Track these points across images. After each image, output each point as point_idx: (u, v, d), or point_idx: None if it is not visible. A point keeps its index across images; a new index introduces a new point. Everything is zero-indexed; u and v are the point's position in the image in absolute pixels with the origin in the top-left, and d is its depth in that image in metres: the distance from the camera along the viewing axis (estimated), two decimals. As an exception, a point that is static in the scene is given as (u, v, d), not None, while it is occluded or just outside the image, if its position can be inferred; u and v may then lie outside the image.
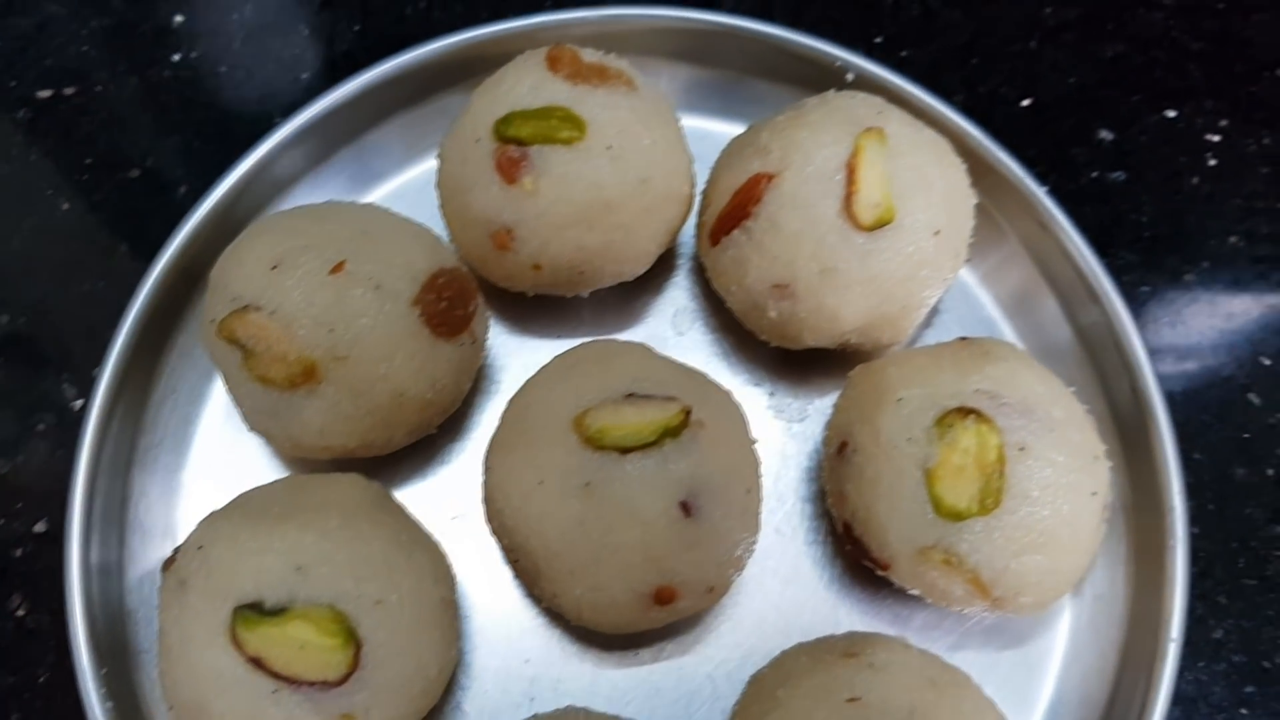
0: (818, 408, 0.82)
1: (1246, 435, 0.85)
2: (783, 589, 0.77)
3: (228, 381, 0.71)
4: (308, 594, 0.63)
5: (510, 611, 0.76)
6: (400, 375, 0.69)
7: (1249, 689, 0.78)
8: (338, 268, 0.68)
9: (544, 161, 0.71)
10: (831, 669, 0.67)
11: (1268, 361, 0.87)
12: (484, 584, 0.76)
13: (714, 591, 0.70)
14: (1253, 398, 0.86)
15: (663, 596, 0.67)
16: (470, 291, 0.74)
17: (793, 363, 0.82)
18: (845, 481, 0.72)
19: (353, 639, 0.62)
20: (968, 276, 0.86)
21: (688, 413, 0.67)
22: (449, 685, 0.73)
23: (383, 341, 0.68)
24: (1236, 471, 0.84)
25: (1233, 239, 0.91)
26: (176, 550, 0.67)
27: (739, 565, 0.70)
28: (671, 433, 0.66)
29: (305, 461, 0.78)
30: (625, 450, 0.65)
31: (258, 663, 0.61)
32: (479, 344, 0.75)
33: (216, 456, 0.79)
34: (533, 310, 0.82)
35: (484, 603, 0.76)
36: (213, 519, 0.67)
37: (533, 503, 0.67)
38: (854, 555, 0.73)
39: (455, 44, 0.84)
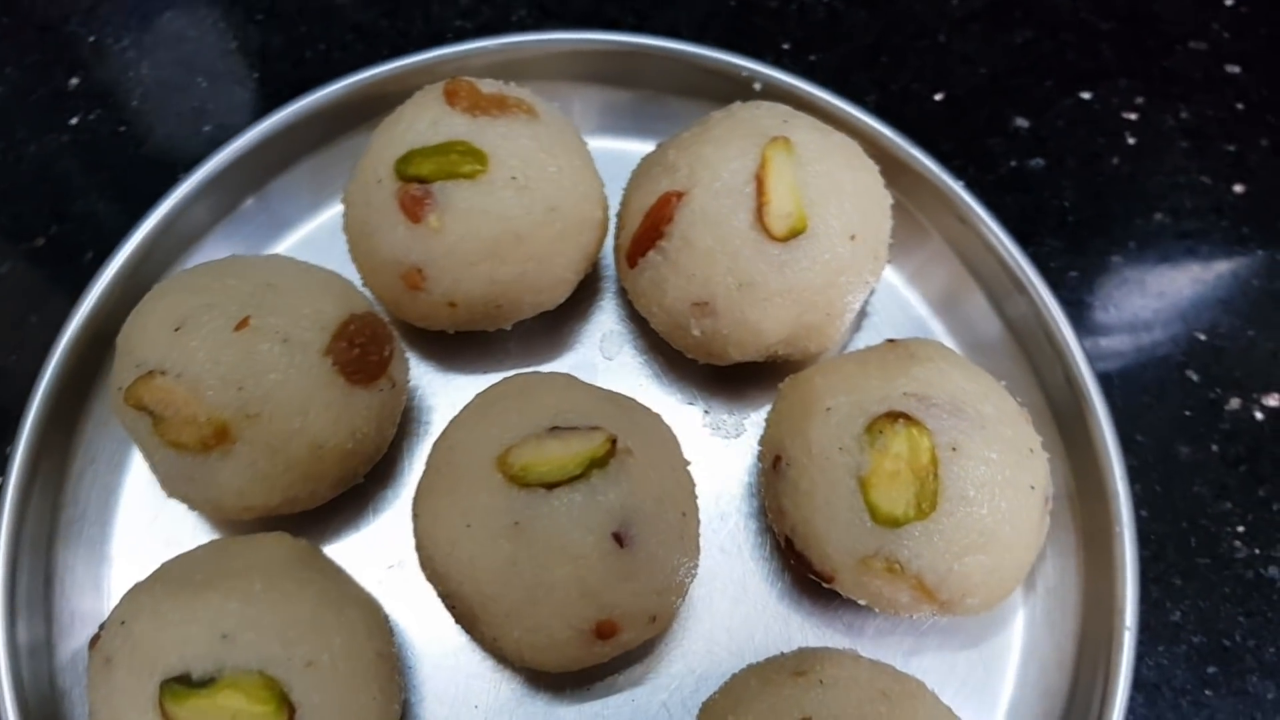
0: (754, 422, 0.81)
1: (1188, 413, 0.84)
2: (732, 608, 0.76)
3: (141, 449, 0.69)
4: (235, 662, 0.61)
5: (455, 658, 0.74)
6: (317, 428, 0.67)
7: (1211, 669, 0.77)
8: (243, 324, 0.67)
9: (448, 198, 0.70)
10: (781, 690, 0.66)
11: (1203, 337, 0.87)
12: (427, 631, 0.74)
13: (657, 621, 0.68)
14: (1191, 374, 0.85)
15: (604, 631, 0.65)
16: (384, 335, 0.72)
17: (725, 378, 0.81)
18: (782, 496, 0.70)
19: (285, 704, 0.60)
20: (894, 277, 0.85)
21: (613, 441, 0.65)
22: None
23: (295, 395, 0.66)
24: (1180, 450, 0.83)
25: (1158, 216, 0.90)
26: (101, 627, 0.65)
27: (681, 591, 0.69)
28: (598, 463, 0.64)
29: (233, 522, 0.76)
30: (551, 486, 0.64)
31: (188, 738, 0.59)
32: (399, 388, 0.73)
33: (142, 525, 0.77)
34: (456, 347, 0.81)
35: (428, 651, 0.74)
36: (135, 592, 0.65)
37: (462, 547, 0.65)
38: (798, 569, 0.72)
39: (355, 83, 0.82)
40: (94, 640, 0.65)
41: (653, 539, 0.65)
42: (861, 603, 0.70)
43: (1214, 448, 0.83)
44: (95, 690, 0.63)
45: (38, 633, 0.73)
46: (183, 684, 0.60)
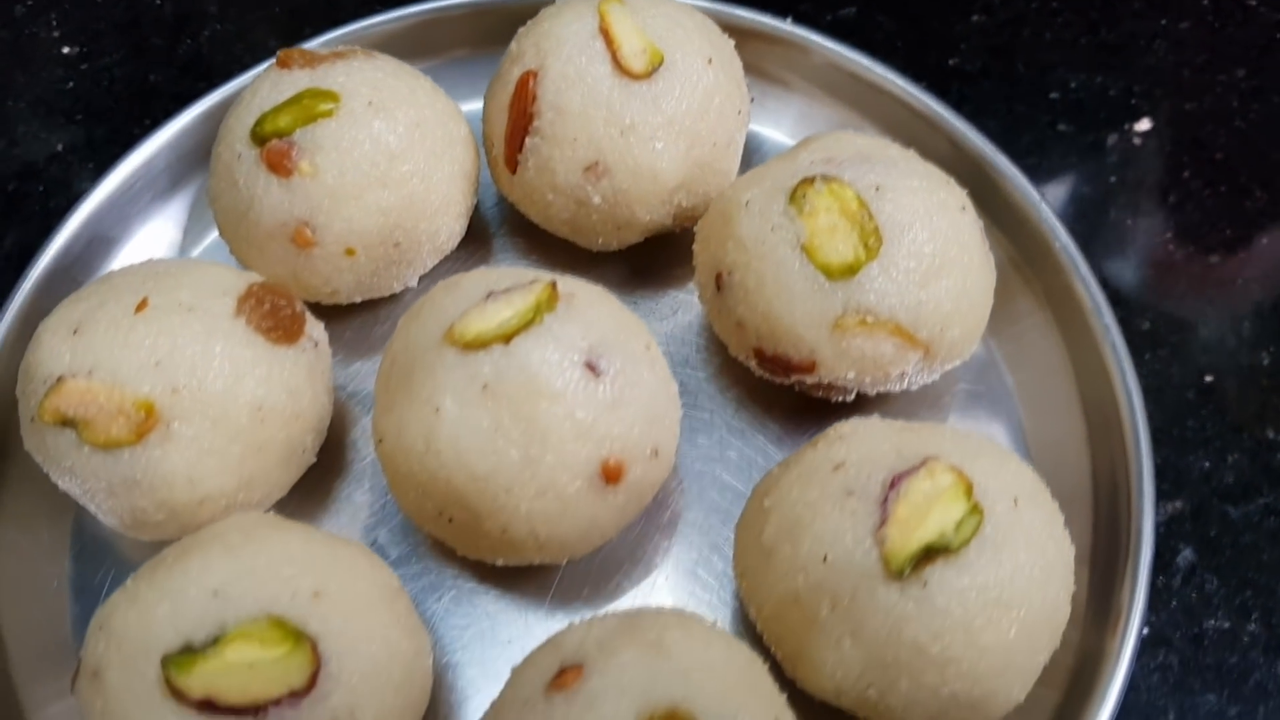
0: (686, 296, 0.80)
1: (1073, 159, 0.87)
2: (734, 462, 0.73)
3: (76, 485, 0.63)
4: (236, 614, 0.55)
5: (470, 603, 0.69)
6: (250, 387, 0.63)
7: (1203, 360, 0.77)
8: (142, 305, 0.63)
9: (312, 140, 0.69)
10: (803, 458, 0.63)
11: (1056, 95, 0.90)
12: (433, 593, 0.69)
13: (660, 456, 0.64)
14: (1062, 126, 0.89)
15: (610, 473, 0.61)
16: (290, 295, 0.69)
17: (644, 269, 0.80)
18: (736, 307, 0.69)
19: (304, 638, 0.55)
20: (774, 131, 0.86)
21: (554, 285, 0.63)
22: (439, 698, 0.65)
23: (218, 358, 0.63)
24: (1084, 190, 0.86)
25: (975, 18, 0.95)
26: (78, 663, 0.57)
27: (672, 425, 0.66)
28: (547, 306, 0.62)
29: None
30: (509, 338, 0.61)
31: (210, 705, 0.52)
32: (323, 350, 0.70)
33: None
34: (370, 324, 0.78)
35: (439, 610, 0.69)
36: (106, 603, 0.58)
37: (438, 437, 0.61)
38: (775, 374, 0.69)
39: (187, 122, 0.81)
40: (74, 675, 0.58)
41: (626, 366, 0.63)
42: (851, 391, 0.68)
43: (1112, 179, 0.85)
44: (90, 713, 0.55)
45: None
46: (185, 654, 0.54)
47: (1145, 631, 0.68)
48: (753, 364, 0.71)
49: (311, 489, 0.71)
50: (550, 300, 0.63)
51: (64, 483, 0.64)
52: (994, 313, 0.71)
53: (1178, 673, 0.67)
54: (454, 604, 0.69)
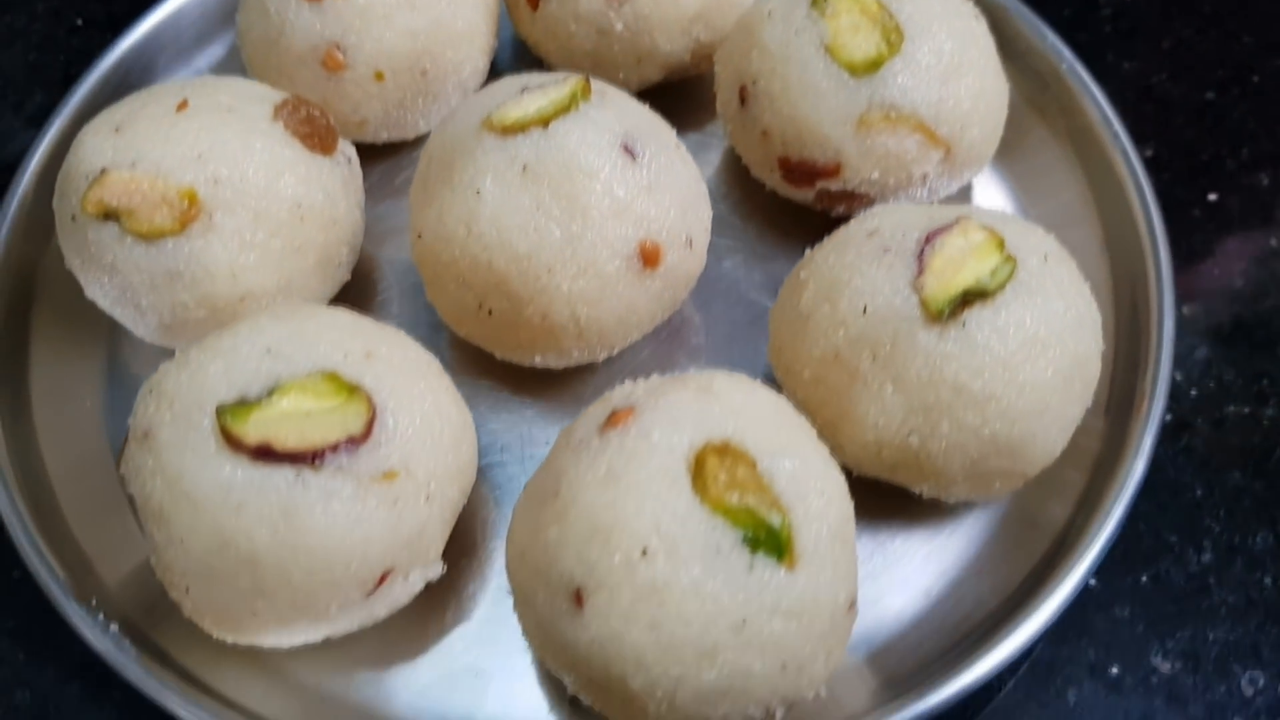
0: (705, 138, 0.81)
1: (1067, 10, 0.90)
2: (759, 282, 0.75)
3: (117, 274, 0.63)
4: (290, 370, 0.56)
5: (510, 415, 0.71)
6: (290, 184, 0.64)
7: (1202, 181, 0.80)
8: (182, 105, 0.64)
9: (343, -39, 0.71)
10: (836, 235, 0.65)
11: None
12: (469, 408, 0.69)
13: (693, 248, 0.66)
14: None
15: (648, 255, 0.63)
16: (324, 108, 0.70)
17: (662, 114, 0.79)
18: (761, 116, 0.70)
19: (359, 390, 0.55)
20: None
21: (588, 80, 0.65)
22: (480, 493, 0.66)
23: (257, 154, 0.64)
24: (1079, 37, 0.87)
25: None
26: (125, 436, 0.58)
27: (704, 222, 0.67)
28: (582, 95, 0.64)
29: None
30: (547, 122, 0.62)
31: (266, 451, 0.53)
32: (355, 168, 0.71)
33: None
34: (395, 171, 0.79)
35: (476, 423, 0.67)
36: (155, 372, 0.59)
37: (480, 219, 0.62)
38: (800, 184, 0.71)
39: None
40: (120, 450, 0.58)
41: (660, 153, 0.65)
42: (873, 202, 0.70)
43: (1107, 29, 0.89)
44: (139, 475, 0.55)
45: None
46: (241, 404, 0.54)
47: (1169, 418, 0.69)
48: (777, 177, 0.72)
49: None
50: (585, 91, 0.64)
51: (103, 287, 0.65)
52: (1009, 148, 0.74)
53: (1202, 453, 0.69)
54: (490, 410, 0.70)
